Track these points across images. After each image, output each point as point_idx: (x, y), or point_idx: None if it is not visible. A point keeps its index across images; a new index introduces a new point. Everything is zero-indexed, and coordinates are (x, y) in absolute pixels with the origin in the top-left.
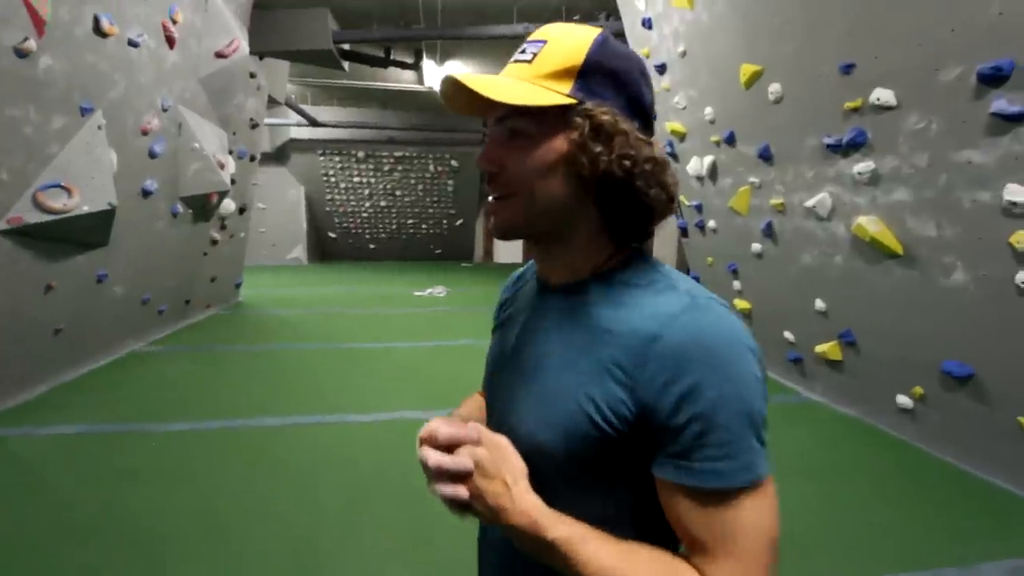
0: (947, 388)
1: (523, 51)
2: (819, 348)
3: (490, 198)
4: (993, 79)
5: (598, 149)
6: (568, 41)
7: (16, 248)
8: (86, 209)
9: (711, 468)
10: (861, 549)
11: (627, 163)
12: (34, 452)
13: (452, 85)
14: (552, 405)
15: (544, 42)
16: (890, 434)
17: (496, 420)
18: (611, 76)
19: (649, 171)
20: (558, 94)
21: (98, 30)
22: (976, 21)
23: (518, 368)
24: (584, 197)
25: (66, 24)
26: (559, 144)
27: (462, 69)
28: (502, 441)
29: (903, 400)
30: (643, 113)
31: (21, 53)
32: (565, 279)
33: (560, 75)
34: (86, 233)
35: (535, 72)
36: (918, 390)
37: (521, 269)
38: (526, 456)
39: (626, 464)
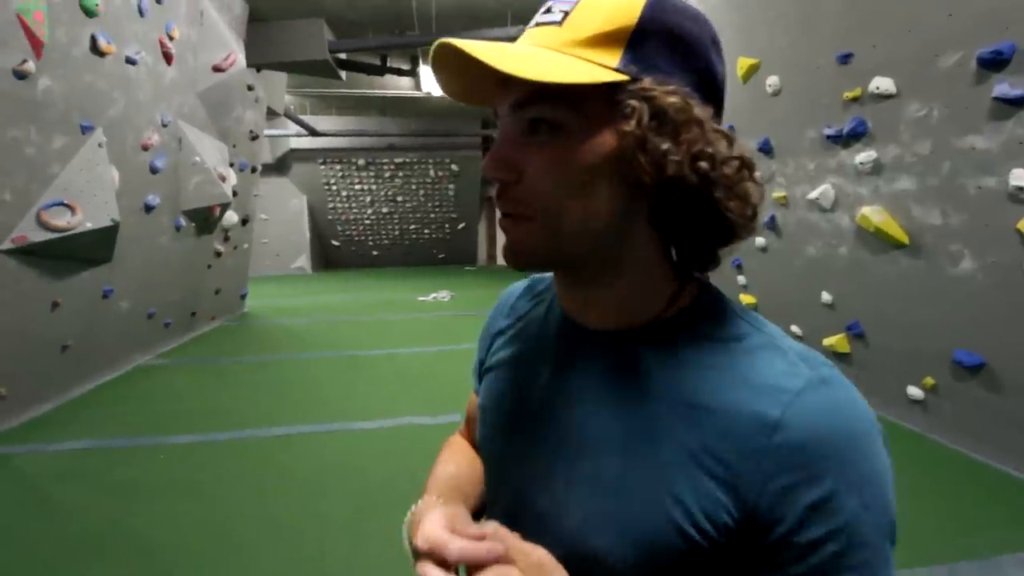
0: (958, 378)
1: (548, 9)
2: (827, 341)
3: (500, 214)
4: (994, 63)
5: (664, 145)
6: None
7: (21, 267)
8: (89, 226)
9: None
10: None
11: (704, 164)
12: (42, 468)
13: (448, 55)
14: (619, 504)
15: None
16: (902, 425)
17: (513, 497)
18: (676, 43)
19: (731, 175)
20: (603, 67)
21: (95, 49)
22: (974, 5)
23: (555, 439)
24: (637, 213)
25: (64, 45)
26: (604, 139)
27: None
28: (544, 559)
29: (914, 391)
30: (717, 96)
31: (20, 75)
32: (613, 323)
33: (604, 41)
34: (90, 249)
35: (567, 38)
36: (929, 381)
37: (521, 285)
38: (569, 561)
39: None
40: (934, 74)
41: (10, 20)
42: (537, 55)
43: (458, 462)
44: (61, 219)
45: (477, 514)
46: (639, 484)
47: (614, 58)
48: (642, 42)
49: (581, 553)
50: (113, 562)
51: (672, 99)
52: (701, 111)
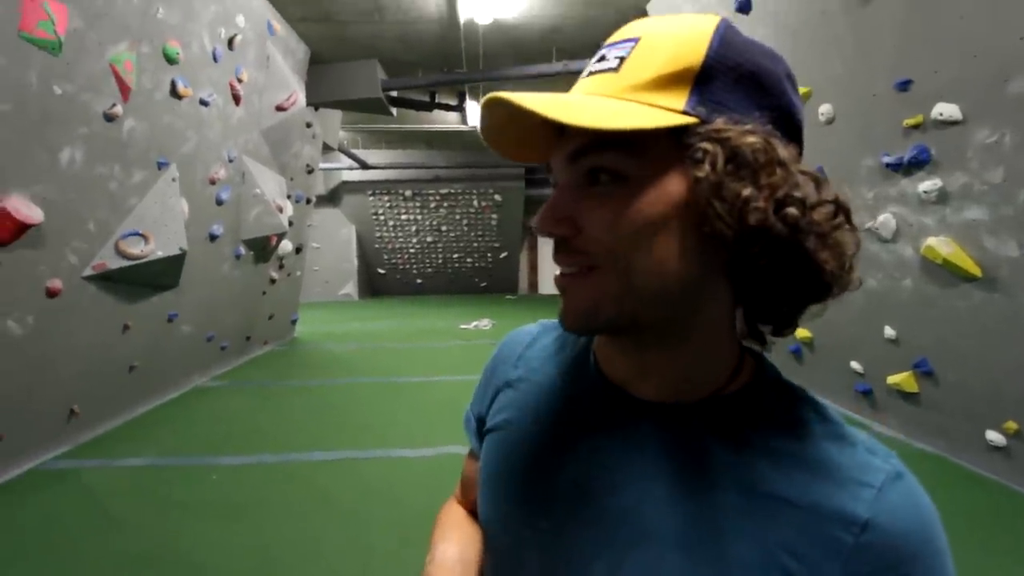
0: None
1: (602, 57)
2: (892, 379)
3: (558, 274)
4: None
5: (745, 191)
6: (674, 33)
7: (99, 292)
8: (160, 254)
9: None
10: None
11: (792, 211)
12: (106, 483)
13: (497, 109)
14: None
15: (636, 40)
16: (980, 473)
17: None
18: (748, 80)
19: (823, 223)
20: (668, 111)
21: (174, 93)
22: None
23: (597, 525)
24: (714, 269)
25: (148, 90)
26: (673, 187)
27: None
28: None
29: (994, 436)
30: (798, 134)
31: (109, 118)
32: (668, 395)
33: (668, 83)
34: (160, 276)
35: (626, 83)
36: (1011, 425)
37: (531, 332)
38: None
39: None
40: (1005, 99)
41: (103, 69)
42: (593, 103)
43: (461, 542)
44: (136, 247)
45: None
46: None
47: (680, 100)
48: (710, 81)
49: None
50: None
51: (751, 139)
52: (784, 151)
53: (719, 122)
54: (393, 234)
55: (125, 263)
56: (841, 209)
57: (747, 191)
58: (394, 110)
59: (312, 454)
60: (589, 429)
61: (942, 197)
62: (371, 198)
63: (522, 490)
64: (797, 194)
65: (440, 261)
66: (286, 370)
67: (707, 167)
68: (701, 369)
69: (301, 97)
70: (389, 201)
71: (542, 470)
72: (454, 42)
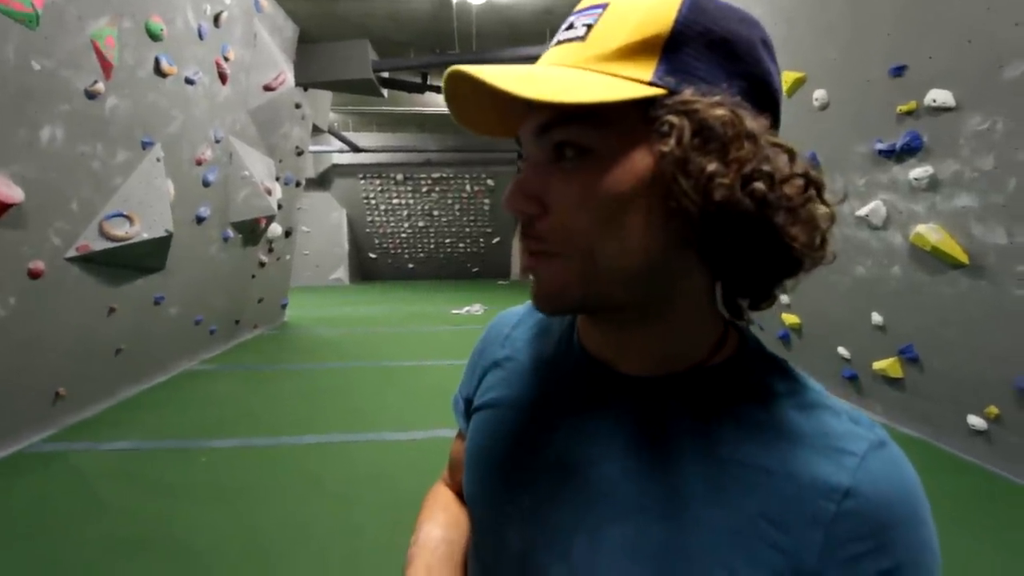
0: None
1: (570, 25)
2: (877, 365)
3: (525, 253)
4: None
5: (711, 166)
6: (642, 0)
7: (83, 274)
8: (146, 236)
9: None
10: None
11: (760, 185)
12: (93, 466)
13: (461, 83)
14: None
15: (604, 7)
16: (961, 457)
17: (515, 563)
18: (719, 47)
19: (793, 196)
20: (634, 82)
21: (159, 71)
22: None
23: (577, 498)
24: (683, 245)
25: (130, 67)
26: (639, 162)
27: None
28: None
29: (975, 421)
30: (772, 103)
31: (91, 95)
32: (651, 369)
33: (635, 52)
34: (145, 258)
35: (592, 53)
36: (992, 410)
37: (518, 312)
38: None
39: None
40: (998, 86)
41: (84, 44)
42: (557, 75)
43: (446, 523)
44: (120, 229)
45: None
46: (689, 555)
47: (647, 70)
48: (679, 49)
49: None
50: (152, 563)
51: (718, 111)
52: (754, 123)
53: (687, 93)
54: (384, 218)
55: (110, 245)
56: (812, 183)
57: (712, 166)
58: (385, 92)
59: (302, 438)
60: (572, 405)
61: (933, 184)
62: (362, 182)
63: (506, 467)
64: (766, 168)
65: (432, 246)
66: (276, 354)
67: (672, 141)
68: (681, 344)
69: (289, 77)
70: (380, 185)
71: (525, 447)
72: (446, 22)
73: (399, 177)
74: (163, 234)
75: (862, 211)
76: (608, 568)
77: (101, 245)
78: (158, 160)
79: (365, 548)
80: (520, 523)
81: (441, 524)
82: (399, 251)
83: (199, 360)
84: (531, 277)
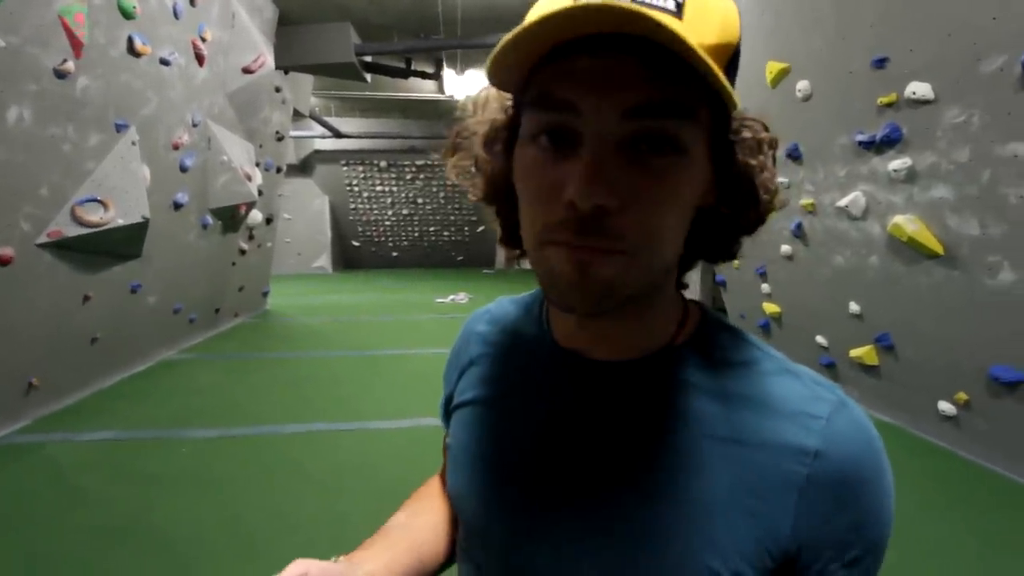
0: (994, 394)
1: None
2: (854, 352)
3: (574, 246)
4: None
5: (773, 180)
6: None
7: (55, 260)
8: (121, 222)
9: None
10: (903, 564)
11: (778, 200)
12: (69, 457)
13: (578, 23)
14: (647, 553)
15: None
16: (932, 442)
17: (501, 556)
18: (738, 57)
19: (773, 177)
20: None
21: (132, 50)
22: (1019, 8)
23: (560, 486)
24: (685, 234)
25: (102, 45)
26: (706, 165)
27: (483, 78)
28: None
29: (945, 406)
30: None
31: (60, 74)
32: (621, 353)
33: (720, 53)
34: (121, 245)
35: (696, 39)
36: (962, 396)
37: (485, 312)
38: None
39: None
40: (975, 79)
41: (52, 21)
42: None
43: (414, 510)
44: (94, 215)
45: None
46: (669, 531)
47: (722, 75)
48: (734, 62)
49: None
50: (133, 553)
51: (765, 133)
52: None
53: (743, 111)
54: (368, 206)
55: (83, 231)
56: (775, 157)
57: (775, 180)
58: (368, 76)
59: (285, 427)
60: (549, 396)
61: (911, 176)
62: (345, 168)
63: (488, 461)
64: (777, 181)
65: (416, 234)
66: (258, 343)
67: (761, 156)
68: (654, 326)
69: (269, 59)
70: (363, 172)
71: (506, 440)
72: (431, 6)
73: (383, 164)
74: (139, 220)
75: (842, 202)
76: (591, 549)
77: (74, 231)
78: (133, 144)
79: (350, 535)
80: (505, 515)
81: (407, 511)
82: (383, 239)
83: (178, 349)
84: (571, 275)
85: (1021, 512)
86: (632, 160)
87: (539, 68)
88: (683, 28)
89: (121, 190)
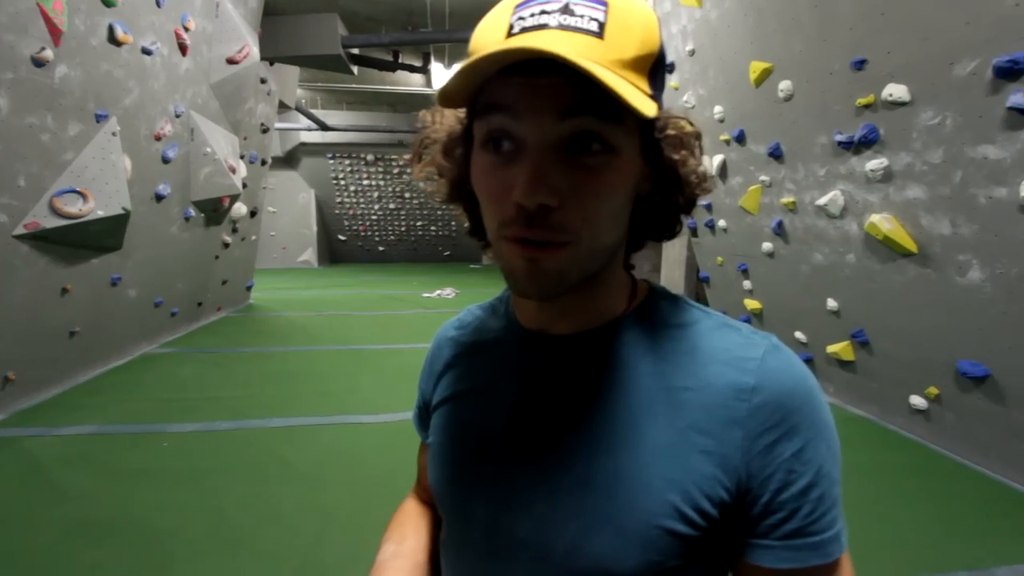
0: (963, 388)
1: (568, 10)
2: (831, 348)
3: (520, 241)
4: (1009, 72)
5: (699, 168)
6: (636, 11)
7: (33, 252)
8: (101, 214)
9: (833, 536)
10: (874, 552)
11: (706, 184)
12: (48, 452)
13: (487, 63)
14: (615, 502)
15: (604, 3)
16: (904, 435)
17: (485, 533)
18: (663, 65)
19: (700, 163)
20: (647, 96)
21: (113, 39)
22: (991, 13)
23: (533, 456)
24: (628, 222)
25: (82, 34)
26: (637, 159)
27: None
28: None
29: (917, 400)
30: None
31: (39, 63)
32: (581, 326)
33: (640, 65)
34: (101, 237)
35: (615, 56)
36: (933, 390)
37: (459, 315)
38: None
39: (702, 570)
40: (949, 82)
41: (30, 8)
42: (614, 77)
43: (399, 538)
44: (73, 206)
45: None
46: (632, 476)
47: (645, 84)
48: (658, 68)
49: (580, 568)
50: (114, 547)
51: (690, 128)
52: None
53: (668, 110)
54: (354, 200)
55: (62, 222)
56: (701, 148)
57: (700, 168)
58: (355, 69)
59: (269, 420)
60: (517, 376)
61: (887, 176)
62: (331, 161)
63: (467, 447)
64: (702, 168)
65: (403, 229)
66: (241, 337)
67: (683, 151)
68: (607, 300)
69: (254, 50)
70: (350, 165)
71: (483, 425)
72: None
73: (369, 157)
74: (120, 212)
75: (821, 200)
76: (567, 512)
77: (53, 223)
78: (113, 134)
79: (335, 527)
80: (483, 495)
81: (394, 539)
82: (369, 233)
83: (160, 343)
84: (524, 267)
85: (987, 503)
86: (569, 161)
87: (485, 84)
88: (601, 51)
89: (101, 181)
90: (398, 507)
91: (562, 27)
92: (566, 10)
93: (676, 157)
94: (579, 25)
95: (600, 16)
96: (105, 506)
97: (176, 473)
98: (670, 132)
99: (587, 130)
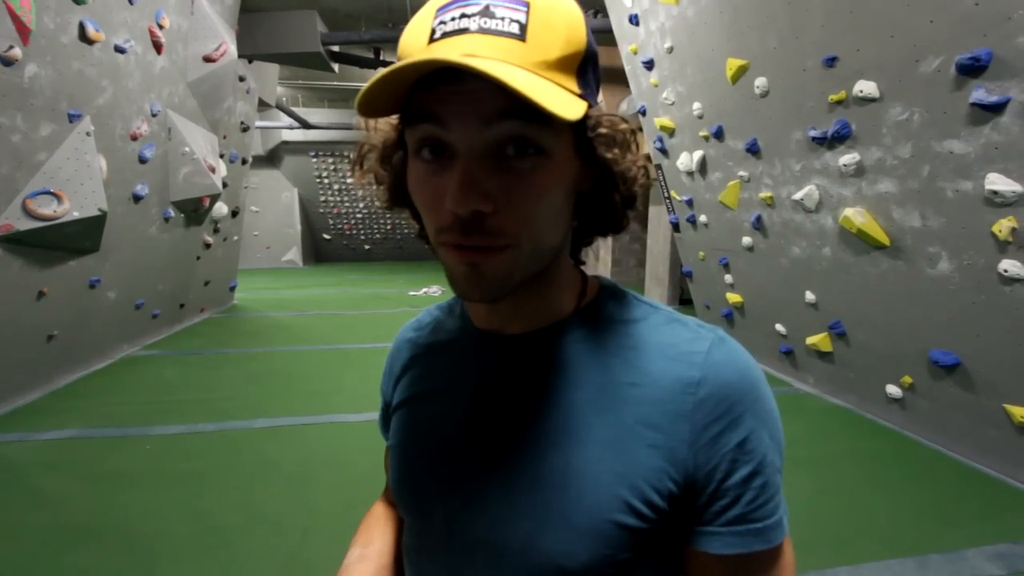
0: (935, 377)
1: (488, 12)
2: (810, 340)
3: (458, 247)
4: (971, 69)
5: (632, 168)
6: (560, 9)
7: (7, 255)
8: (76, 215)
9: (775, 522)
10: (852, 537)
11: (643, 179)
12: (27, 457)
13: (407, 73)
14: (566, 497)
15: (526, 4)
16: (880, 423)
17: (443, 535)
18: (595, 62)
19: (638, 161)
20: (575, 95)
21: (84, 37)
22: (953, 12)
23: (486, 456)
24: (571, 220)
25: (51, 32)
26: (572, 160)
27: None
28: None
29: (892, 389)
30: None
31: (6, 61)
32: (532, 325)
33: (566, 65)
34: (77, 239)
35: (538, 58)
36: (907, 379)
37: (418, 317)
38: None
39: (653, 561)
40: (915, 79)
41: None
42: (540, 82)
43: (365, 541)
44: (48, 208)
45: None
46: (582, 471)
47: (573, 83)
48: (587, 66)
49: (533, 565)
50: (97, 551)
51: (623, 125)
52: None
53: (600, 108)
54: (339, 198)
55: (36, 224)
56: (645, 159)
57: (633, 169)
58: (336, 66)
59: (254, 421)
60: (472, 376)
61: (859, 170)
62: (314, 160)
63: (425, 449)
64: (640, 163)
65: (388, 227)
66: (225, 338)
67: (616, 150)
68: (557, 297)
69: (232, 48)
70: (334, 163)
71: (439, 424)
72: None
73: (353, 155)
74: (96, 213)
75: (797, 195)
76: (518, 505)
77: (26, 225)
78: (87, 134)
79: (320, 526)
80: (442, 495)
81: (360, 543)
82: (354, 232)
83: (141, 345)
84: (465, 272)
85: (960, 487)
86: (500, 166)
87: (410, 92)
88: (523, 53)
89: (76, 182)
90: (369, 509)
91: (483, 30)
92: (486, 12)
93: (608, 155)
94: (500, 28)
95: (521, 17)
96: (86, 511)
97: (159, 476)
98: (602, 131)
99: (515, 135)
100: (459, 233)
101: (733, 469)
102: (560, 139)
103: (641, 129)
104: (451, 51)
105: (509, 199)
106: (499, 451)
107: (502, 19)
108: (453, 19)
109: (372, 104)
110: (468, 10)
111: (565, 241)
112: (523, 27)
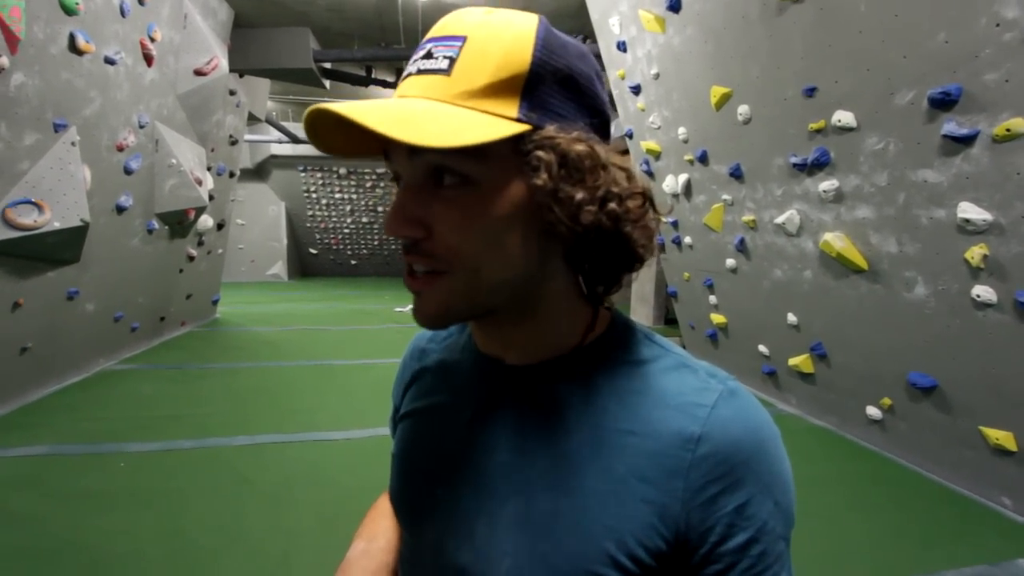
0: (913, 399)
1: (428, 54)
2: (792, 361)
3: (407, 271)
4: (943, 103)
5: (578, 195)
6: (500, 36)
7: None
8: (57, 225)
9: None
10: (833, 559)
11: (613, 206)
12: None
13: (321, 118)
14: (551, 543)
15: (463, 39)
16: (861, 444)
17: (432, 555)
18: (568, 83)
19: (636, 210)
20: (504, 119)
21: (74, 48)
22: (925, 48)
23: (476, 484)
24: (551, 254)
25: (41, 42)
26: (515, 190)
27: None
28: None
29: (872, 411)
30: (607, 129)
31: None
32: (531, 358)
33: (499, 90)
34: (58, 249)
35: (460, 89)
36: (886, 401)
37: (429, 332)
38: None
39: None
40: (890, 110)
41: None
42: (432, 113)
43: (369, 535)
44: (28, 217)
45: None
46: (570, 518)
47: (512, 107)
48: (537, 88)
49: None
50: (68, 571)
51: (579, 147)
52: (603, 152)
53: (550, 129)
54: (326, 213)
55: (15, 234)
56: (647, 197)
57: (580, 195)
58: (327, 83)
59: (233, 439)
60: (473, 400)
61: (838, 197)
62: (302, 174)
63: (422, 466)
64: (615, 190)
65: (376, 243)
66: (206, 352)
67: (544, 175)
68: (554, 333)
69: (223, 62)
70: (322, 178)
71: (438, 445)
72: (391, 15)
73: (342, 171)
74: (78, 224)
75: (779, 219)
76: (503, 542)
77: (5, 234)
78: (73, 144)
79: (300, 547)
80: (434, 516)
81: (364, 537)
82: (341, 247)
83: (119, 359)
84: (413, 297)
85: (938, 508)
86: (431, 194)
87: None
88: (445, 87)
89: (58, 192)
90: (375, 501)
91: (420, 72)
92: (427, 55)
93: (538, 181)
94: (433, 67)
95: (453, 53)
96: (55, 532)
97: (133, 495)
98: (539, 154)
99: (435, 164)
100: (405, 252)
101: (729, 534)
102: (492, 166)
103: (627, 151)
104: (397, 93)
105: (439, 225)
106: (489, 484)
107: (436, 58)
108: (413, 62)
109: (327, 143)
110: (419, 54)
111: (528, 276)
112: (452, 62)
